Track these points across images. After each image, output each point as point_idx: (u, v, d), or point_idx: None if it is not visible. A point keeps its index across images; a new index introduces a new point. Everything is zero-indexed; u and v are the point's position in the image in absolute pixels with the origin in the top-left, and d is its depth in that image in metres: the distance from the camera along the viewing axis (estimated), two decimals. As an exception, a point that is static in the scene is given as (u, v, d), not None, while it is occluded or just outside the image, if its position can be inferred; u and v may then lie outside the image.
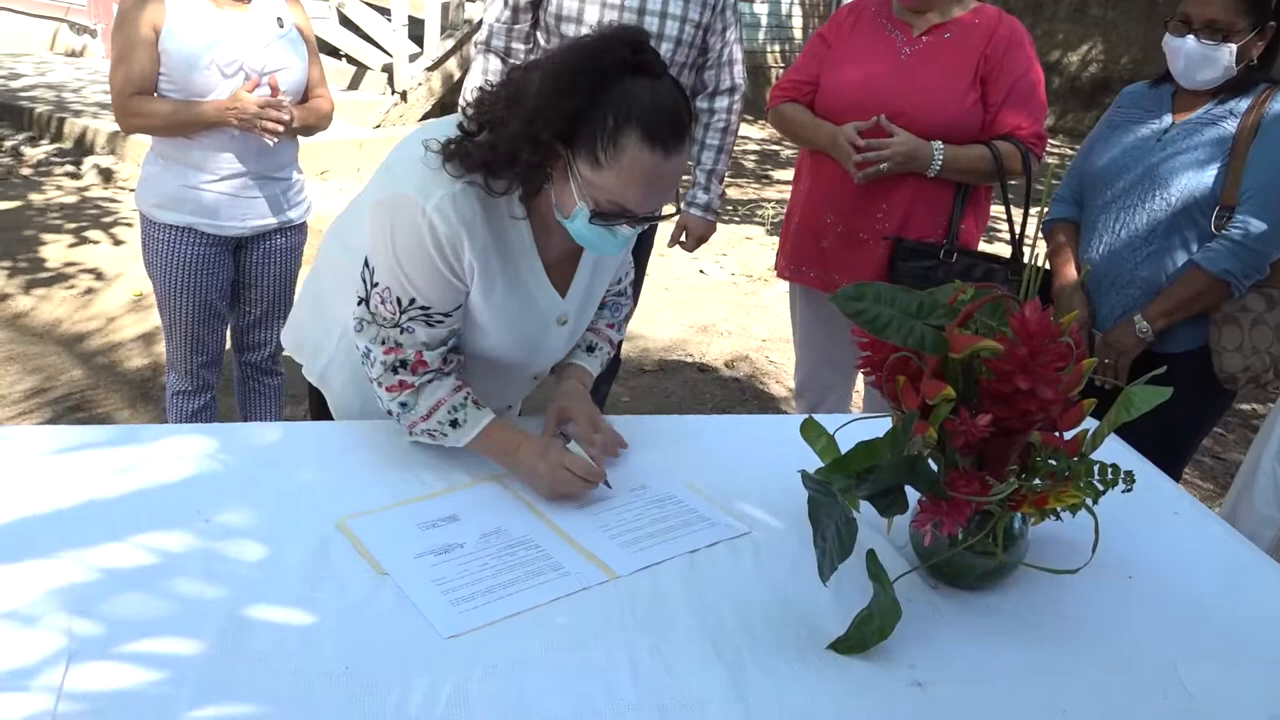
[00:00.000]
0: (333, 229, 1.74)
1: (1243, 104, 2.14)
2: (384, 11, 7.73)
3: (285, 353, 2.03)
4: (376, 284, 1.49)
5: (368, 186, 1.61)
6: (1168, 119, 2.24)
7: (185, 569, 1.27)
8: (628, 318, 1.84)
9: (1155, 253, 2.19)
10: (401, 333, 1.50)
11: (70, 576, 1.23)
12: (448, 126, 1.45)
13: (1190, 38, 2.12)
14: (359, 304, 1.52)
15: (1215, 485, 3.71)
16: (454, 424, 1.53)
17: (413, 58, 7.51)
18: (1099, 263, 2.27)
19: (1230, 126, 2.13)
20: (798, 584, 1.35)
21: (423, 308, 1.48)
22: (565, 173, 1.38)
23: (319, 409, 1.83)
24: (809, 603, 1.32)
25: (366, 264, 1.51)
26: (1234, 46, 2.09)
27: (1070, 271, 2.34)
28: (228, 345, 2.78)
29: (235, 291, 2.68)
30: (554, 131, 1.34)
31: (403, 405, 1.53)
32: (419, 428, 1.55)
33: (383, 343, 1.51)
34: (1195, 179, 2.14)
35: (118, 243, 4.91)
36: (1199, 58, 2.13)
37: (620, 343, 1.80)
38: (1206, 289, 2.12)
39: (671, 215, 1.50)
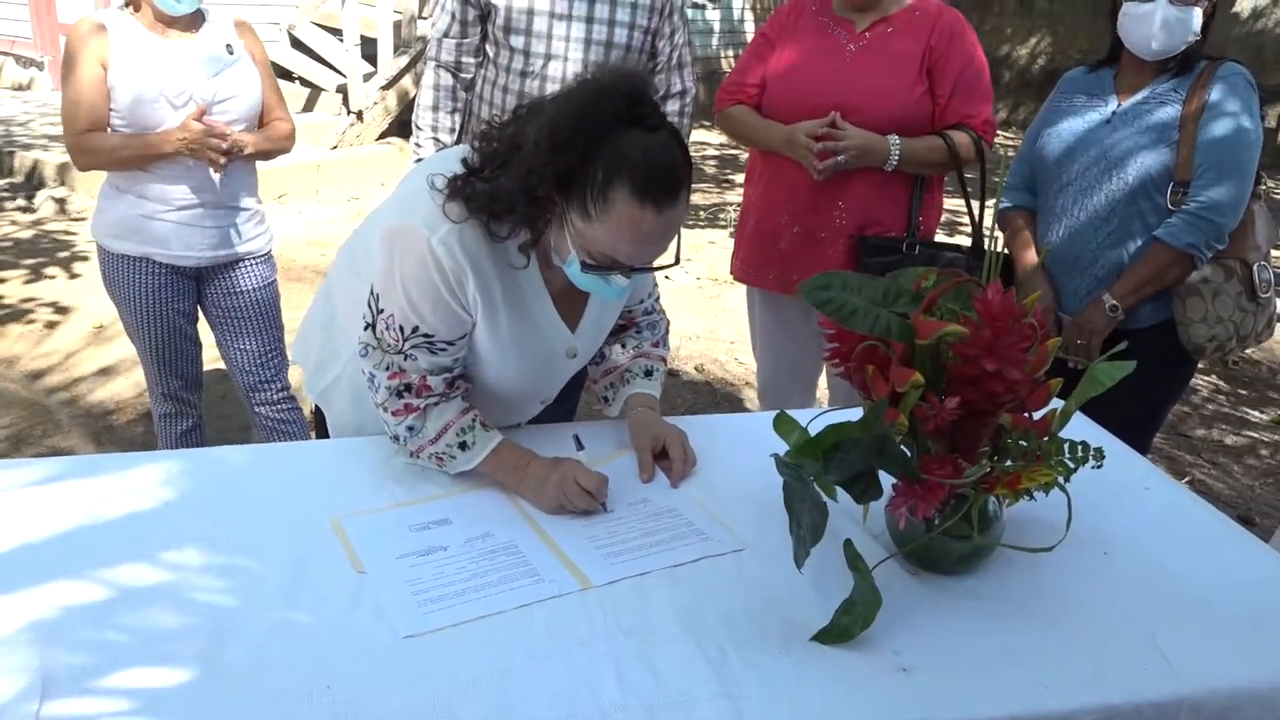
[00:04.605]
0: (343, 250, 1.75)
1: (1185, 81, 2.17)
2: (335, 32, 7.69)
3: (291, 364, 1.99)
4: (381, 310, 1.50)
5: (378, 211, 1.63)
6: (1113, 101, 2.27)
7: (159, 596, 1.25)
8: (667, 330, 1.85)
9: (1115, 232, 2.22)
10: (405, 359, 1.50)
11: (39, 611, 1.21)
12: (453, 160, 1.45)
13: (1163, 1, 2.12)
14: (365, 329, 1.53)
15: (1183, 463, 3.75)
16: (463, 446, 1.53)
17: (367, 77, 7.47)
18: (1060, 246, 2.30)
19: (1176, 103, 2.16)
20: (778, 578, 1.35)
21: (426, 335, 1.48)
22: (561, 220, 1.38)
23: (322, 428, 1.83)
24: (791, 596, 1.32)
25: (372, 290, 1.51)
26: (1200, 10, 2.12)
27: (1031, 256, 2.37)
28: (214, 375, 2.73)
29: (214, 327, 2.63)
30: (549, 185, 1.35)
31: (410, 429, 1.53)
32: (426, 451, 1.54)
33: (387, 368, 1.51)
34: (1148, 157, 2.17)
35: (74, 276, 4.85)
36: (1175, 23, 2.13)
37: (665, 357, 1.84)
38: (1171, 263, 2.16)
39: (669, 266, 1.49)
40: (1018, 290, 2.37)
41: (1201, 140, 2.12)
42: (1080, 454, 1.32)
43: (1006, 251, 2.44)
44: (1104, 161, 2.22)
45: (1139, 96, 2.23)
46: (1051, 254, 2.32)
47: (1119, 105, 2.25)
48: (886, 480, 1.28)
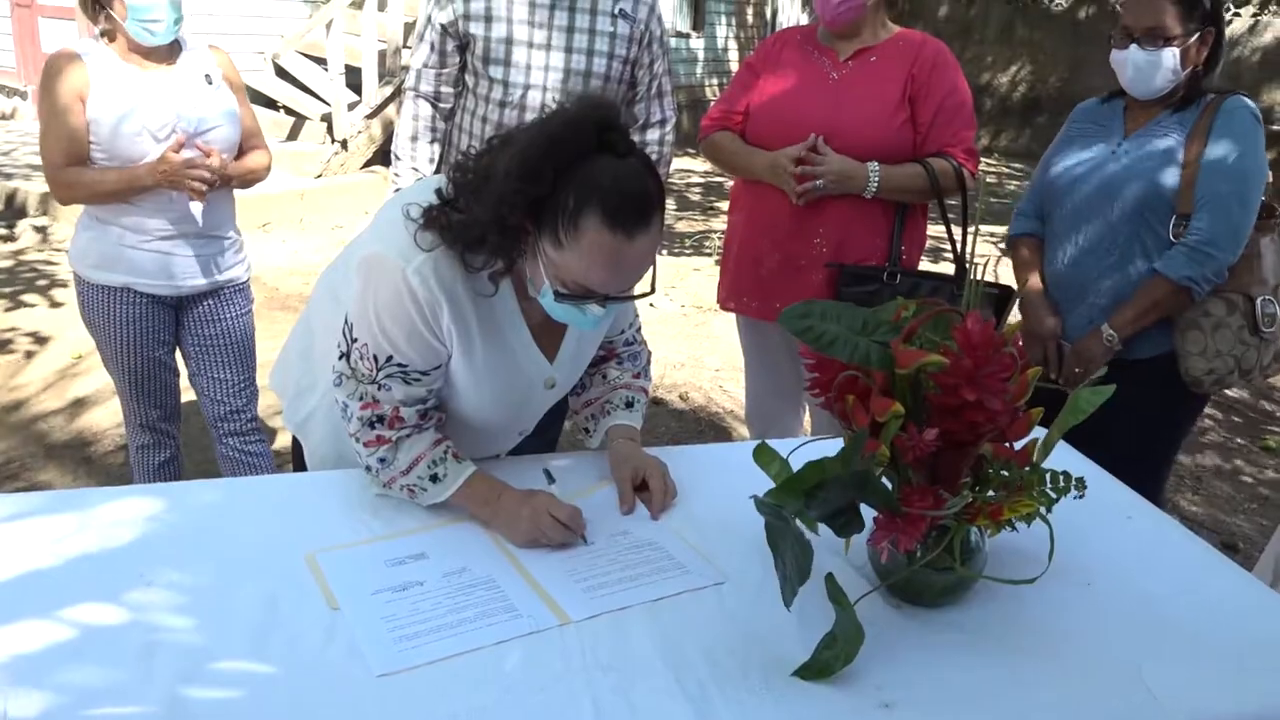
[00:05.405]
0: (323, 279, 1.73)
1: (1190, 115, 2.18)
2: (320, 61, 7.71)
3: (268, 395, 1.97)
4: (355, 340, 1.49)
5: (356, 240, 1.62)
6: (1120, 132, 2.27)
7: (127, 635, 1.22)
8: (649, 361, 1.83)
9: (1117, 262, 2.22)
10: (379, 389, 1.49)
11: (5, 651, 1.18)
12: (429, 191, 1.44)
13: (1134, 47, 2.16)
14: (340, 359, 1.52)
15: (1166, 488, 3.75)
16: (434, 479, 1.51)
17: (351, 106, 7.49)
18: (1064, 275, 2.30)
19: (1180, 137, 2.16)
20: (760, 612, 1.34)
21: (400, 365, 1.47)
22: (534, 250, 1.38)
23: (299, 459, 1.81)
24: (772, 630, 1.30)
25: (346, 320, 1.50)
26: (1176, 50, 2.13)
27: (1035, 283, 2.36)
28: (194, 406, 2.70)
29: (188, 356, 2.61)
30: (520, 214, 1.34)
31: (381, 460, 1.51)
32: (398, 483, 1.52)
33: (360, 398, 1.50)
34: (1151, 189, 2.17)
35: (55, 305, 4.81)
36: (1145, 65, 2.16)
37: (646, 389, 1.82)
38: (1169, 295, 2.15)
39: (644, 295, 1.48)
40: (1023, 317, 2.38)
41: (1203, 173, 2.12)
42: (1062, 484, 1.31)
43: (997, 280, 2.43)
44: (1107, 191, 2.22)
45: (1145, 128, 2.23)
46: (1056, 283, 2.32)
47: (1126, 136, 2.26)
48: (868, 512, 1.27)
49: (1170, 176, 2.15)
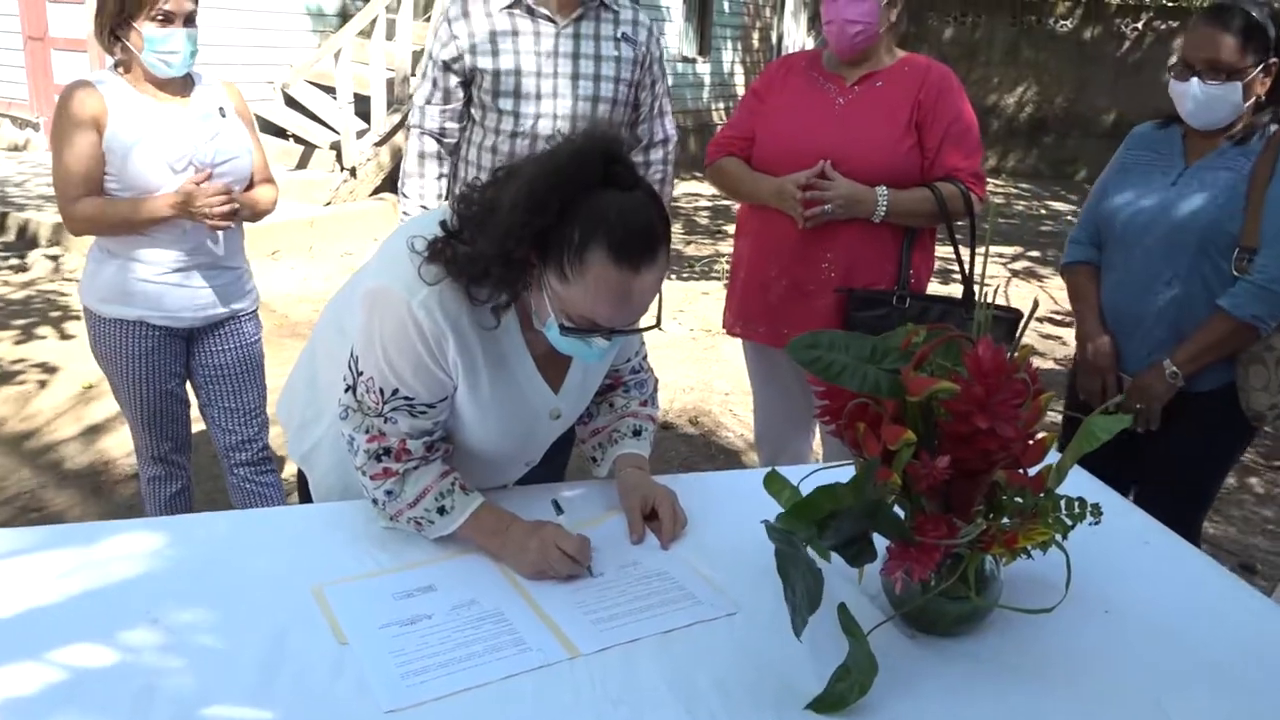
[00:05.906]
0: (329, 308, 1.72)
1: (1254, 147, 2.12)
2: (329, 90, 7.77)
3: (276, 423, 1.98)
4: (361, 373, 1.48)
5: (361, 271, 1.61)
6: (1180, 162, 2.21)
7: (132, 670, 1.21)
8: (656, 388, 1.82)
9: (1177, 295, 2.17)
10: (385, 422, 1.48)
11: (12, 690, 1.17)
12: (432, 224, 1.44)
13: (1194, 80, 2.10)
14: (345, 391, 1.51)
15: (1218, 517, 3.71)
16: (441, 510, 1.50)
17: (360, 134, 7.54)
18: (1121, 305, 2.26)
19: (1244, 169, 2.11)
20: (772, 643, 1.32)
21: (406, 398, 1.47)
22: (539, 283, 1.37)
23: (305, 490, 1.80)
24: (785, 661, 1.28)
25: (352, 353, 1.50)
26: (1240, 84, 2.07)
27: (1093, 314, 2.32)
28: (206, 436, 2.70)
29: (199, 387, 2.61)
30: (526, 247, 1.33)
31: (388, 493, 1.50)
32: (405, 515, 1.51)
33: (366, 431, 1.49)
34: (1213, 222, 2.11)
35: (66, 336, 4.83)
36: (1206, 99, 2.10)
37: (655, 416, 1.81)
38: (1233, 333, 2.11)
39: (650, 328, 1.47)
40: (1079, 346, 2.37)
41: (1269, 209, 2.06)
42: (1077, 510, 1.29)
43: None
44: (1167, 222, 2.17)
45: (1206, 158, 2.17)
46: (1112, 313, 2.29)
47: (1186, 165, 2.20)
48: (880, 541, 1.26)
49: (1234, 210, 2.09)
